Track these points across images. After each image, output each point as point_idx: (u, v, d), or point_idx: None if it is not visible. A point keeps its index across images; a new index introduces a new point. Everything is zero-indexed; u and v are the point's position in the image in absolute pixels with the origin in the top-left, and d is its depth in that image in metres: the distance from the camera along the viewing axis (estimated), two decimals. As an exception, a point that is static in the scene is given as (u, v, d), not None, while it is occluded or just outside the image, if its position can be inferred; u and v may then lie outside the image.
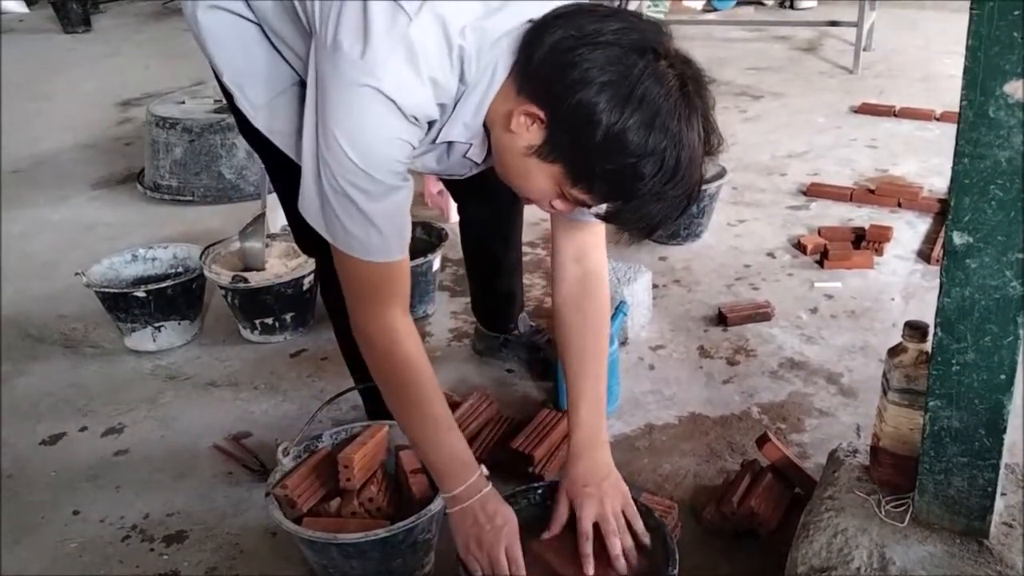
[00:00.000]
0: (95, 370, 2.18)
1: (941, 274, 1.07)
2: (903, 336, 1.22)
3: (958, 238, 1.04)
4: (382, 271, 1.21)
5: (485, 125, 1.18)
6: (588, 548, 1.28)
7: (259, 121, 1.30)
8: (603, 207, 1.14)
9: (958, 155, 1.02)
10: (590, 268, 1.40)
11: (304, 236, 1.48)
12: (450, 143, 1.21)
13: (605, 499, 1.31)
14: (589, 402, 1.38)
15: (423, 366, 1.27)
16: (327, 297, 1.64)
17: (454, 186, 1.89)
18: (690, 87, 1.08)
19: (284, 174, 1.35)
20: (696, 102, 1.09)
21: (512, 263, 2.00)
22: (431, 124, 1.16)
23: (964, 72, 0.98)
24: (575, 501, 1.32)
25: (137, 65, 5.49)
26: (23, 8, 7.84)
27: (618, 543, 1.29)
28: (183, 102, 3.38)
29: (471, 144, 1.21)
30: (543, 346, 2.03)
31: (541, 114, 1.09)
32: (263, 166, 2.52)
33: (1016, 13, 0.92)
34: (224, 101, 3.26)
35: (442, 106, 1.14)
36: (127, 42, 6.32)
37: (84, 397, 2.07)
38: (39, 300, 2.53)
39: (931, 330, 1.12)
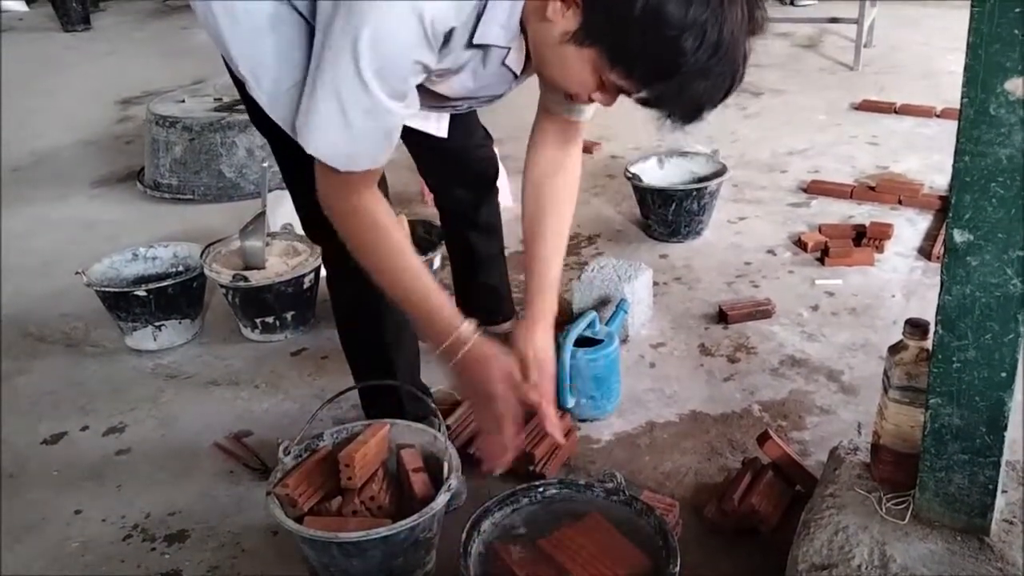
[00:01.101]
0: (96, 369, 2.18)
1: (942, 272, 1.07)
2: (904, 334, 1.22)
3: (959, 236, 1.04)
4: (355, 174, 1.20)
5: (523, 27, 1.15)
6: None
7: (274, 112, 1.30)
8: (645, 92, 1.11)
9: (959, 153, 1.02)
10: (567, 158, 1.43)
11: (312, 224, 1.49)
12: (486, 49, 1.18)
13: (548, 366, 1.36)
14: (550, 275, 1.41)
15: (391, 229, 1.25)
16: (332, 286, 1.62)
17: (430, 171, 1.86)
18: None
19: (293, 162, 1.35)
20: None
21: (492, 254, 1.98)
22: (449, 36, 1.13)
23: (965, 69, 0.98)
24: (535, 363, 1.34)
25: (137, 63, 5.49)
26: (23, 6, 7.83)
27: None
28: (183, 100, 3.38)
29: (509, 49, 1.19)
30: None
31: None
32: (266, 165, 2.55)
33: (1017, 11, 0.92)
34: (222, 100, 3.30)
35: (473, 10, 1.12)
36: (127, 40, 6.32)
37: (85, 396, 2.07)
38: (40, 299, 2.53)
39: (932, 327, 1.12)
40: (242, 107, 3.24)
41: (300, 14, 1.23)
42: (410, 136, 1.51)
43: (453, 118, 1.58)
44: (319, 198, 1.25)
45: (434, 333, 1.26)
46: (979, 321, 1.07)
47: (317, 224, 1.36)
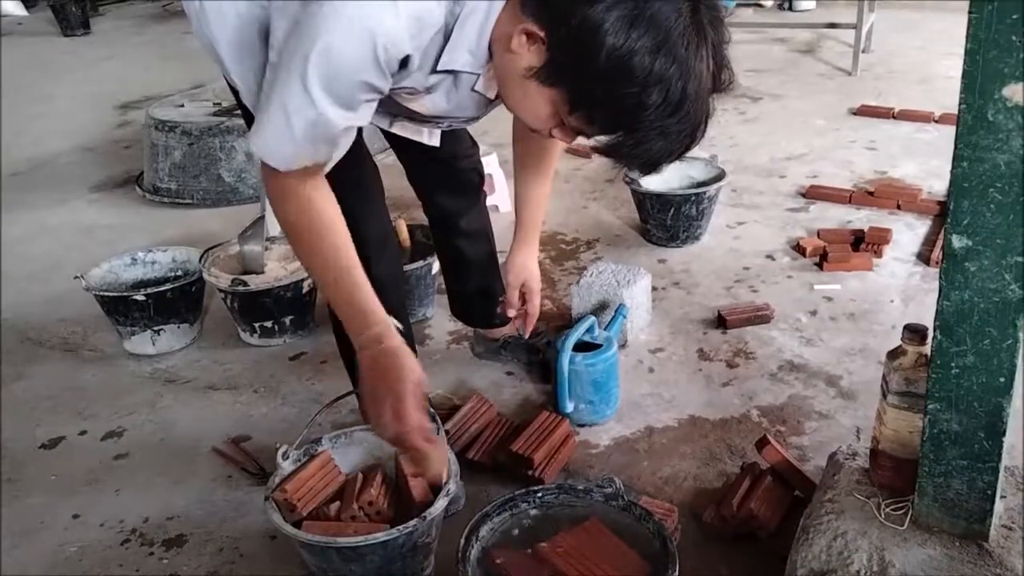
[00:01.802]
0: (94, 373, 2.18)
1: (940, 277, 1.07)
2: (902, 339, 1.22)
3: (957, 241, 1.05)
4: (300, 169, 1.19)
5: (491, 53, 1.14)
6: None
7: None
8: (603, 139, 1.09)
9: (957, 158, 1.02)
10: (545, 150, 1.62)
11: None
12: (456, 74, 1.18)
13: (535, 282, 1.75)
14: (534, 212, 1.70)
15: (330, 218, 1.23)
16: None
17: (417, 178, 1.89)
18: (704, 15, 1.04)
19: None
20: (708, 32, 1.04)
21: (481, 258, 1.99)
22: (405, 62, 1.12)
23: (963, 75, 0.98)
24: (524, 281, 1.73)
25: (136, 68, 5.50)
26: (22, 11, 7.85)
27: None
28: (182, 105, 3.38)
29: (478, 75, 1.18)
30: (542, 348, 2.03)
31: (542, 33, 1.05)
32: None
33: (1015, 17, 0.93)
34: (221, 105, 3.30)
35: (437, 34, 1.11)
36: (126, 45, 6.33)
37: (83, 401, 2.07)
38: (38, 303, 2.53)
39: (930, 333, 1.12)
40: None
41: None
42: (399, 143, 1.55)
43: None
44: (261, 180, 1.25)
45: (359, 320, 1.24)
46: (978, 327, 1.07)
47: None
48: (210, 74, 4.67)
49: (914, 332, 1.20)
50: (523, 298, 1.76)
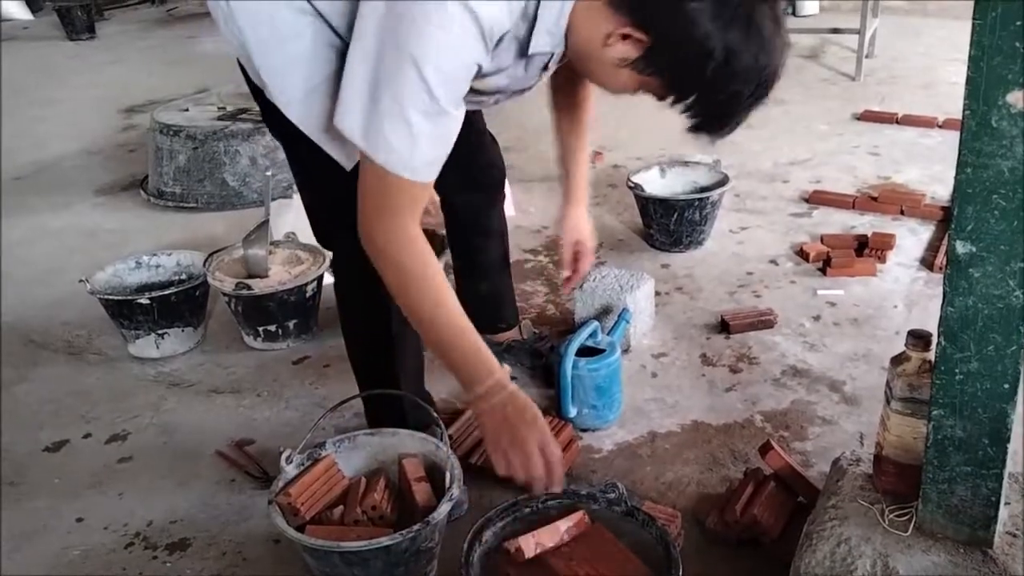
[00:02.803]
0: (98, 377, 2.19)
1: (944, 283, 1.07)
2: (906, 345, 1.22)
3: (961, 247, 1.05)
4: (407, 187, 1.20)
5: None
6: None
7: (292, 113, 1.32)
8: (689, 113, 1.19)
9: (961, 164, 1.02)
10: (583, 99, 1.67)
11: (323, 229, 1.54)
12: (530, 56, 1.24)
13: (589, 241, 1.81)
14: (579, 167, 1.76)
15: (436, 268, 1.27)
16: (339, 292, 1.63)
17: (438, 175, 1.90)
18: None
19: (307, 165, 1.44)
20: (779, 12, 1.17)
21: (496, 259, 2.00)
22: (500, 39, 1.17)
23: (967, 82, 0.98)
24: (578, 237, 1.79)
25: (141, 72, 5.51)
26: (27, 15, 7.87)
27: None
28: (187, 109, 3.39)
29: (553, 54, 1.24)
30: (546, 353, 2.03)
31: (642, 35, 1.13)
32: (269, 174, 2.56)
33: (1018, 23, 0.93)
34: (226, 109, 3.31)
35: (523, 14, 1.17)
36: (131, 49, 6.34)
37: (87, 404, 2.07)
38: (41, 306, 2.54)
39: (934, 339, 1.12)
40: (246, 116, 3.27)
41: (324, 20, 1.26)
42: None
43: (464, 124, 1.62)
44: (362, 230, 1.25)
45: (470, 373, 1.29)
46: (982, 333, 1.07)
47: (328, 228, 1.44)
48: (215, 78, 4.68)
49: (918, 338, 1.20)
50: (576, 257, 1.81)
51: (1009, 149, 0.98)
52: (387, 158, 1.17)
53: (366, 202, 1.24)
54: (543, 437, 1.27)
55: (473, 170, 1.82)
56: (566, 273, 1.83)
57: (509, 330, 2.07)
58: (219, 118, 3.26)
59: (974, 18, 0.95)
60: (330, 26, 1.27)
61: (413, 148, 1.17)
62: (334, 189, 1.36)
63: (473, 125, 1.62)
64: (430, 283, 1.26)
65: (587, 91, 1.66)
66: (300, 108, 1.31)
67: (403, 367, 1.61)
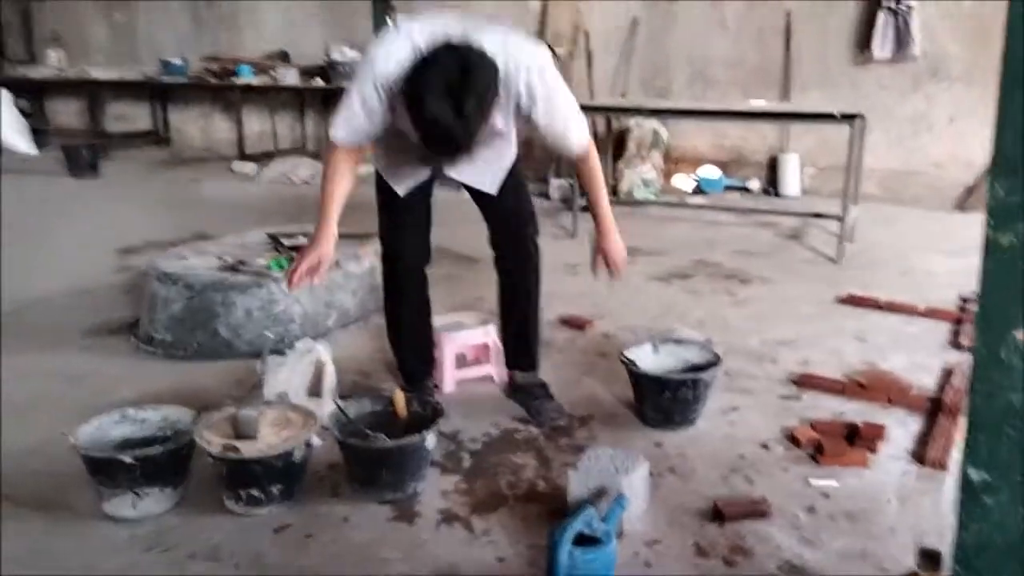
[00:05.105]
0: (67, 537, 2.08)
1: (959, 510, 1.07)
2: (917, 564, 1.20)
3: (974, 474, 1.05)
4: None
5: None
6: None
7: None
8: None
9: (973, 392, 1.04)
10: (589, 159, 2.51)
11: (385, 247, 2.67)
12: None
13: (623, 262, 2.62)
14: (603, 210, 2.57)
15: (333, 178, 2.35)
16: (384, 278, 2.73)
17: (487, 220, 2.67)
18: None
19: (383, 203, 2.62)
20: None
21: (523, 293, 2.68)
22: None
23: (977, 316, 1.03)
24: (612, 255, 2.57)
25: (141, 213, 5.62)
26: (33, 150, 8.09)
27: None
28: (186, 257, 3.43)
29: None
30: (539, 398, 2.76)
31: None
32: (268, 334, 2.87)
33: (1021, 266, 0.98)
34: (226, 260, 3.35)
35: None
36: (133, 189, 6.50)
37: (55, 567, 1.97)
38: (14, 453, 2.45)
39: (944, 557, 1.11)
40: (244, 267, 3.29)
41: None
42: (473, 194, 2.61)
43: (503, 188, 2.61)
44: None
45: (320, 219, 2.35)
46: (996, 560, 1.06)
47: (389, 246, 2.65)
48: (213, 224, 4.78)
49: (929, 558, 1.19)
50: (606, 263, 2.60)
51: (1018, 382, 1.01)
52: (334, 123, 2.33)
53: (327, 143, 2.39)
54: (307, 254, 2.33)
55: (509, 223, 2.67)
56: (596, 269, 2.59)
57: (527, 371, 2.79)
58: (218, 268, 3.30)
59: (983, 260, 1.00)
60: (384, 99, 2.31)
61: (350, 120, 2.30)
62: (381, 225, 2.64)
63: (514, 192, 2.63)
64: (323, 175, 2.38)
65: (591, 161, 2.50)
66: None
67: (404, 331, 2.79)
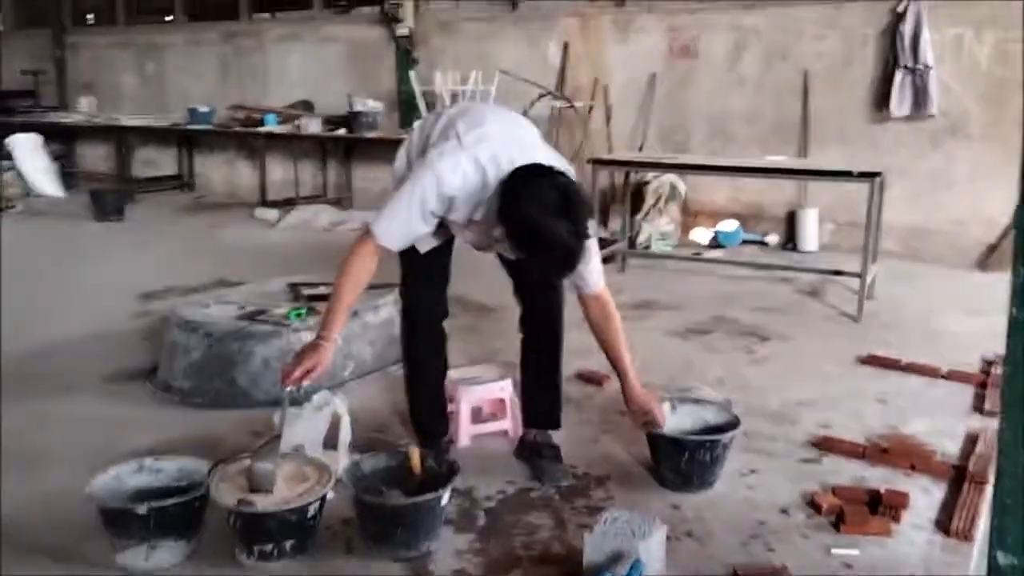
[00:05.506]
0: (79, 588, 2.08)
1: (988, 595, 1.05)
2: (945, 648, 1.17)
3: (1003, 558, 1.03)
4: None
5: None
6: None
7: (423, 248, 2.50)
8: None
9: (1000, 474, 1.02)
10: (605, 307, 2.53)
11: (406, 298, 2.69)
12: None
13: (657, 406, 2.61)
14: (626, 366, 2.56)
15: (359, 279, 2.32)
16: (404, 322, 2.74)
17: (516, 288, 2.71)
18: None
19: (406, 263, 2.57)
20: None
21: (545, 356, 2.72)
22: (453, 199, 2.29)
23: (1002, 395, 1.01)
24: (647, 408, 2.58)
25: (163, 258, 5.68)
26: (60, 192, 8.24)
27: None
28: (208, 306, 3.45)
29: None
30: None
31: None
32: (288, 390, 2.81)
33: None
34: (246, 309, 3.38)
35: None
36: (156, 234, 6.58)
37: (64, 620, 1.95)
38: (32, 503, 2.45)
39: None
40: (264, 317, 3.31)
41: None
42: (507, 262, 2.60)
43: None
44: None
45: (323, 324, 2.32)
46: (1027, 649, 1.03)
47: (410, 302, 2.68)
48: (235, 270, 4.83)
49: (957, 643, 1.15)
50: (647, 422, 2.62)
51: (1048, 466, 0.99)
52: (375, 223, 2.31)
53: (358, 238, 2.36)
54: (303, 357, 2.26)
55: (536, 293, 2.68)
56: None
57: (545, 429, 2.78)
58: (238, 317, 3.32)
59: (1008, 339, 0.99)
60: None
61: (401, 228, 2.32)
62: (403, 280, 2.65)
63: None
64: (348, 281, 2.31)
65: (606, 297, 2.51)
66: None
67: (422, 390, 2.77)
